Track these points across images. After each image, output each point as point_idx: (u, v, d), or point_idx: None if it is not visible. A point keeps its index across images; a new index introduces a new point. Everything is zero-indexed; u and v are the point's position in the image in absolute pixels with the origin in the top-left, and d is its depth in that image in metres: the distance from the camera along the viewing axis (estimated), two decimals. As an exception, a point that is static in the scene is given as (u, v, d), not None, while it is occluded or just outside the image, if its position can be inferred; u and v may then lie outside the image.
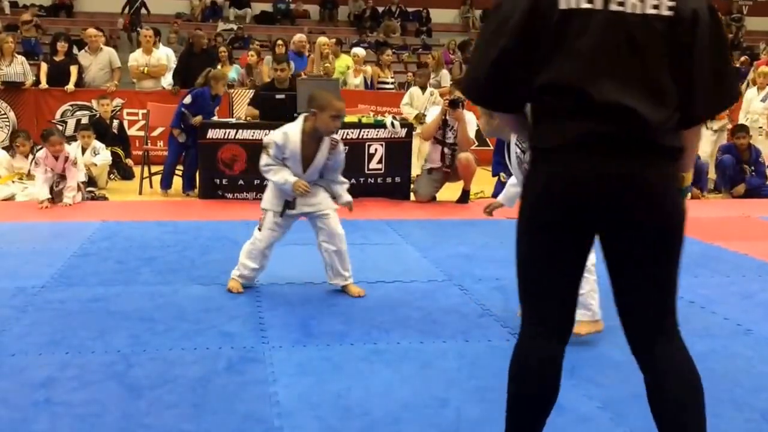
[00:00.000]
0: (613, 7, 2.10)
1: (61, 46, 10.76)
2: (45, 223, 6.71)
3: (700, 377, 2.22)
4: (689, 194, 2.25)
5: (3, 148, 8.66)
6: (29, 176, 8.29)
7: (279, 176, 4.51)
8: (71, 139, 9.14)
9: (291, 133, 4.50)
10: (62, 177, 7.69)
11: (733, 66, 2.23)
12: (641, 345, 2.27)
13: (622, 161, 2.10)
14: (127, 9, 10.24)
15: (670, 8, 2.10)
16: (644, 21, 2.10)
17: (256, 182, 7.84)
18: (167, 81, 10.98)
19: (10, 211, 7.31)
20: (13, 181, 8.22)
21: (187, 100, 8.21)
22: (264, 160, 4.55)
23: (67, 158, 7.64)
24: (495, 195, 8.61)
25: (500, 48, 2.14)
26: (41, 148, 7.74)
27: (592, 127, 2.09)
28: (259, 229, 4.64)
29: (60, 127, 9.80)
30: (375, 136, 8.23)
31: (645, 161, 2.11)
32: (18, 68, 10.51)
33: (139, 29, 11.60)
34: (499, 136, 4.37)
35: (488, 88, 2.23)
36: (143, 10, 18.93)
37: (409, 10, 22.23)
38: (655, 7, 2.10)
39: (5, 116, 10.41)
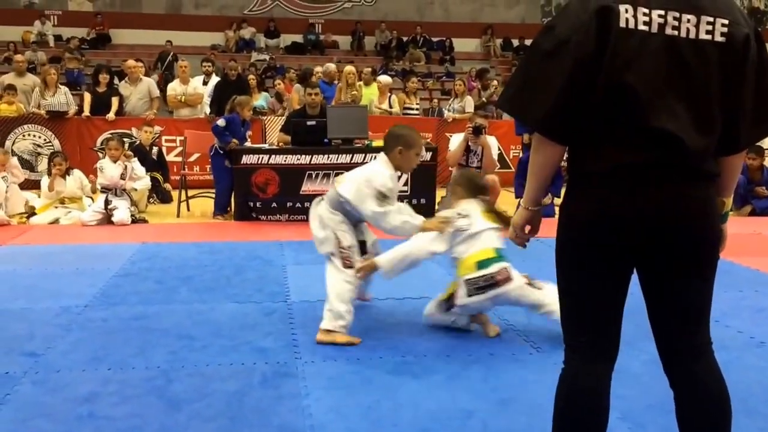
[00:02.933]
0: (668, 31, 2.07)
1: (103, 77, 11.12)
2: (88, 245, 6.93)
3: (729, 397, 2.25)
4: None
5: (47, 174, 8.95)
6: (71, 200, 8.58)
7: (401, 218, 4.32)
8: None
9: (391, 174, 4.39)
10: (115, 195, 8.10)
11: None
12: (674, 361, 2.29)
13: (667, 187, 2.09)
14: (159, 65, 10.53)
15: (723, 34, 2.09)
16: (697, 47, 2.08)
17: (288, 205, 8.11)
18: (204, 110, 11.31)
19: (55, 234, 7.57)
20: (56, 206, 8.50)
21: (221, 122, 8.44)
22: (378, 207, 4.28)
23: (124, 171, 8.13)
24: None
25: (565, 73, 2.06)
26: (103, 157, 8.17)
27: (640, 153, 2.07)
28: (350, 267, 4.31)
29: (100, 155, 10.09)
30: (401, 160, 8.32)
31: (687, 186, 2.11)
32: (62, 98, 10.86)
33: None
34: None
35: (556, 117, 2.11)
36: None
37: (433, 39, 22.50)
38: (709, 32, 2.08)
39: (50, 143, 10.74)
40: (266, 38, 21.89)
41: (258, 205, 8.23)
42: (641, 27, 2.06)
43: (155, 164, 9.87)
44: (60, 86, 11.10)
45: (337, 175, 8.02)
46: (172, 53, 13.59)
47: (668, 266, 2.19)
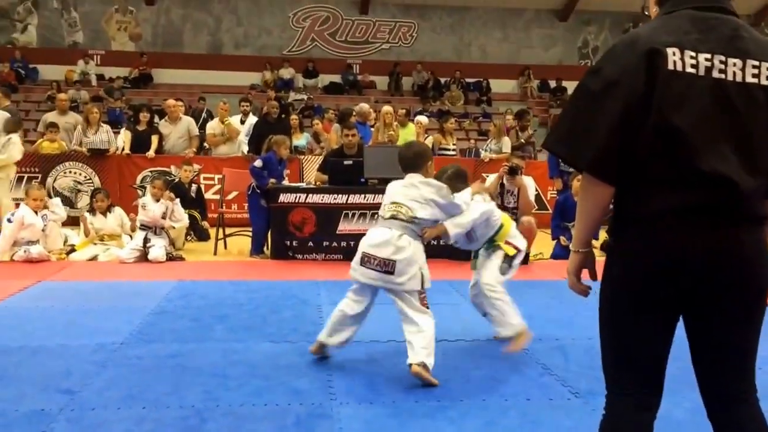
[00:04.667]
0: (715, 74, 2.09)
1: (143, 116, 11.32)
2: (126, 282, 6.98)
3: None
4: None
5: (87, 211, 9.08)
6: (110, 237, 8.69)
7: (467, 208, 4.64)
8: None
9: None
10: (154, 233, 8.22)
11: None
12: (718, 408, 2.26)
13: (719, 230, 2.09)
14: (197, 138, 10.85)
15: None
16: (744, 89, 2.10)
17: (324, 244, 8.11)
18: (241, 148, 11.42)
19: (94, 270, 7.65)
20: (95, 243, 8.60)
21: (258, 164, 8.51)
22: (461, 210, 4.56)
23: (165, 211, 8.28)
24: (554, 257, 8.69)
25: (614, 114, 2.07)
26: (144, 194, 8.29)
27: (692, 196, 2.07)
28: (426, 307, 4.34)
29: (140, 192, 10.23)
30: (438, 200, 8.30)
31: (739, 229, 2.11)
32: (103, 136, 11.05)
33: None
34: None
35: (606, 158, 2.11)
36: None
37: (470, 80, 22.61)
38: (755, 76, 2.11)
39: (90, 181, 10.92)
40: (304, 78, 22.16)
41: (294, 243, 8.25)
42: (689, 70, 2.08)
43: (193, 202, 9.97)
44: (102, 124, 11.30)
45: (373, 215, 8.11)
46: (205, 109, 13.93)
47: (717, 311, 2.17)
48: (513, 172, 8.03)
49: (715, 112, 2.08)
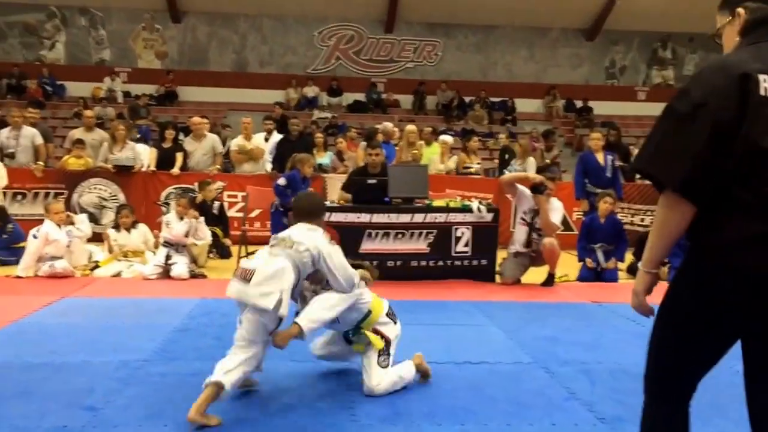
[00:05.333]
0: None
1: (169, 133, 11.41)
2: (149, 299, 7.00)
3: None
4: None
5: (112, 227, 9.13)
6: (134, 253, 8.73)
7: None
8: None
9: None
10: (176, 251, 8.25)
11: None
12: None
13: None
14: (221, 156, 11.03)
15: None
16: None
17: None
18: (265, 166, 11.47)
19: (117, 287, 7.67)
20: (118, 260, 8.64)
21: (282, 182, 8.52)
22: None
23: (189, 229, 8.36)
24: (580, 279, 8.61)
25: (702, 135, 2.11)
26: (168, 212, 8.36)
27: None
28: None
29: (164, 209, 10.28)
30: (462, 220, 8.30)
31: None
32: (129, 153, 11.12)
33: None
34: None
35: (694, 179, 2.15)
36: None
37: (495, 99, 22.60)
38: None
39: (115, 197, 10.99)
40: (329, 96, 22.27)
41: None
42: None
43: (216, 219, 9.99)
44: (128, 141, 11.38)
45: (397, 234, 8.10)
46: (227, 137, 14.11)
47: None
48: (536, 189, 8.00)
49: None
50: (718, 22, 2.44)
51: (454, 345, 5.02)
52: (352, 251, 8.15)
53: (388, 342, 4.40)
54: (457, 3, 21.24)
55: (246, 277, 4.03)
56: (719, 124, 2.10)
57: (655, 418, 2.41)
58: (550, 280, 8.25)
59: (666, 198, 2.23)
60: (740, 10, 2.35)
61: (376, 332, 4.40)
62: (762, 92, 2.11)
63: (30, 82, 20.49)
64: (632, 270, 8.88)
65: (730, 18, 2.39)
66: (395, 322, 4.51)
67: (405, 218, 8.11)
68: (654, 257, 2.34)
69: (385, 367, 4.33)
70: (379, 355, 4.35)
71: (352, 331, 4.43)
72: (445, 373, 4.78)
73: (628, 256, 9.23)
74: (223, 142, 12.80)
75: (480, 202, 8.67)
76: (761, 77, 2.11)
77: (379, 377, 4.30)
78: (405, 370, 4.42)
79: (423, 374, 4.57)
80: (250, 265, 4.07)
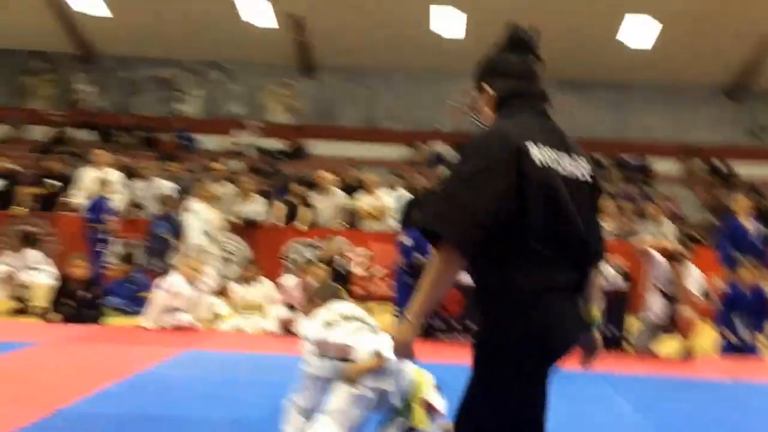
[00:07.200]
0: (559, 167, 2.42)
1: (296, 187, 11.55)
2: (267, 355, 6.96)
3: None
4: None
5: (236, 281, 9.22)
6: (256, 308, 8.76)
7: None
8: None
9: None
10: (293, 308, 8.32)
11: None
12: None
13: (577, 300, 2.47)
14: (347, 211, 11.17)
15: (587, 172, 2.54)
16: (576, 181, 2.47)
17: (471, 326, 7.84)
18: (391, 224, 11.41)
19: (239, 341, 7.69)
20: (240, 314, 8.68)
21: (408, 241, 8.38)
22: None
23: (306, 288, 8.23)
24: (719, 352, 8.26)
25: (485, 196, 2.30)
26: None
27: (572, 271, 2.42)
28: None
29: (288, 264, 10.33)
30: (593, 286, 7.98)
31: (579, 300, 2.50)
32: (256, 207, 11.30)
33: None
34: None
35: (474, 236, 2.32)
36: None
37: (630, 159, 21.95)
38: (578, 168, 2.51)
39: (241, 250, 11.14)
40: (457, 153, 22.20)
41: (439, 323, 8.02)
42: (546, 161, 2.39)
43: (338, 276, 9.93)
44: (255, 195, 11.57)
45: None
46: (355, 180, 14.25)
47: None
48: (672, 257, 7.68)
49: (569, 198, 2.40)
50: (474, 99, 2.67)
51: (578, 419, 4.70)
52: (474, 314, 7.93)
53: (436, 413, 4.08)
54: (592, 60, 20.87)
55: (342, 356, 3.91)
56: (498, 188, 2.31)
57: None
58: (685, 352, 7.87)
59: (445, 254, 2.38)
60: (487, 88, 2.59)
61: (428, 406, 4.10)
62: (533, 158, 2.35)
63: (163, 136, 21.35)
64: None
65: (483, 94, 2.62)
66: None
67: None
68: (425, 308, 2.50)
69: None
70: None
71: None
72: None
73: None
74: (350, 197, 12.82)
75: (611, 267, 8.35)
76: (530, 144, 2.37)
77: None
78: None
79: None
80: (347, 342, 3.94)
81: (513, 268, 2.36)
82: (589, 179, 2.53)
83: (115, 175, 11.42)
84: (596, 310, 2.71)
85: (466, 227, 2.31)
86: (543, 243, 2.34)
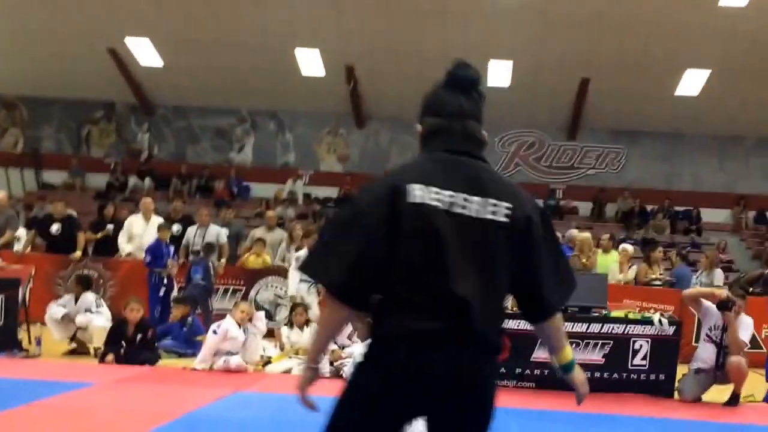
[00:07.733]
0: (457, 209, 2.33)
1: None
2: (318, 397, 6.99)
3: None
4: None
5: (285, 324, 9.35)
6: (306, 351, 8.83)
7: None
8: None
9: None
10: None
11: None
12: None
13: (460, 353, 2.30)
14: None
15: (507, 215, 2.37)
16: (482, 224, 2.35)
17: (517, 371, 7.83)
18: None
19: (288, 384, 7.73)
20: (289, 357, 8.78)
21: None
22: None
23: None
24: (767, 399, 8.00)
25: (360, 241, 2.27)
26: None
27: (438, 320, 2.27)
28: None
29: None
30: (641, 332, 8.01)
31: (473, 355, 2.33)
32: (305, 253, 11.44)
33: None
34: None
35: (350, 282, 2.29)
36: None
37: (679, 209, 21.71)
38: (493, 213, 2.37)
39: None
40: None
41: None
42: (432, 203, 2.32)
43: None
44: (306, 240, 11.71)
45: (571, 344, 7.74)
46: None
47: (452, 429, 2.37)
48: (723, 306, 7.62)
49: (455, 242, 2.30)
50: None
51: None
52: (524, 359, 7.92)
53: None
54: (643, 111, 20.78)
55: None
56: (374, 230, 2.27)
57: None
58: (734, 400, 7.73)
59: (329, 299, 2.39)
60: (417, 125, 2.55)
61: None
62: (411, 199, 2.29)
63: (218, 183, 21.75)
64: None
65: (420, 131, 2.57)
66: None
67: (581, 327, 7.89)
68: (316, 354, 2.59)
69: None
70: None
71: None
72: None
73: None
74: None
75: (661, 315, 8.30)
76: (414, 186, 2.31)
77: None
78: None
79: None
80: None
81: (379, 314, 2.35)
82: (505, 220, 2.37)
83: (160, 222, 11.64)
84: (568, 351, 2.76)
85: (338, 272, 2.28)
86: (410, 289, 2.28)
